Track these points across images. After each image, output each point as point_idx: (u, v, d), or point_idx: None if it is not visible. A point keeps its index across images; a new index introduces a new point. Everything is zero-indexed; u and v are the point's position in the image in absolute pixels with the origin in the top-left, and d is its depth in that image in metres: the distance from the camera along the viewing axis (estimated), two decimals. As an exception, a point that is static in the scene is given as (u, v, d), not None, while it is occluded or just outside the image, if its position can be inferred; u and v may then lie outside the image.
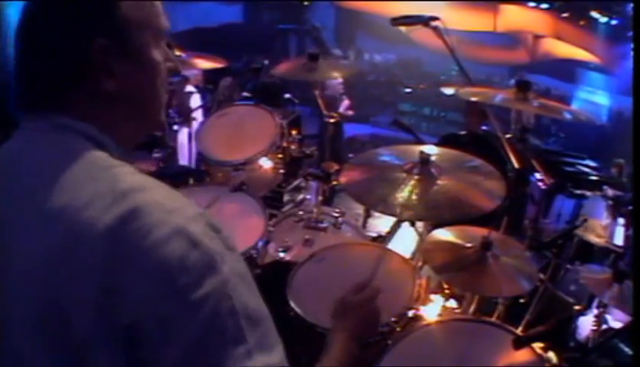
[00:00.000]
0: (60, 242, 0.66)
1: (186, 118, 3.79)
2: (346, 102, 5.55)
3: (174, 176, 3.21)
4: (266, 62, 3.82)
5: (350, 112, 5.53)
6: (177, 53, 2.76)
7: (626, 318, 2.01)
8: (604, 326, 2.14)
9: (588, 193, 3.74)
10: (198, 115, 3.97)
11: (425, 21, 2.01)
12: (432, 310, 1.67)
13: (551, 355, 1.37)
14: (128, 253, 0.65)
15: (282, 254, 2.00)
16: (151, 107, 0.83)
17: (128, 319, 0.63)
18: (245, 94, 3.87)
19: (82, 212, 0.66)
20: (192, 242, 0.67)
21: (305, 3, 8.56)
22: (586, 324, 2.31)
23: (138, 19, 0.76)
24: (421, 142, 2.49)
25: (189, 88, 4.23)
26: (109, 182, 0.69)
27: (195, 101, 4.23)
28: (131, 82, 0.77)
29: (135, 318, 0.63)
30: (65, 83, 0.74)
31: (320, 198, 2.37)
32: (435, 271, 1.71)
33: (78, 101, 0.75)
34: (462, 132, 3.43)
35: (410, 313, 1.50)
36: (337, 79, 5.34)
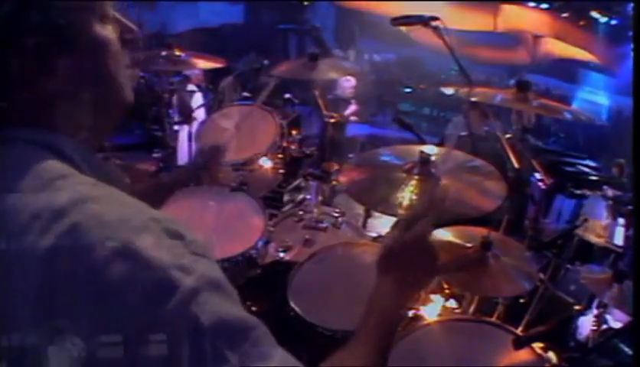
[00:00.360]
0: (6, 269, 0.59)
1: (187, 117, 3.80)
2: (353, 107, 5.49)
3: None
4: (266, 62, 3.82)
5: (354, 118, 5.46)
6: (177, 53, 2.76)
7: (626, 318, 2.01)
8: (604, 326, 2.14)
9: (588, 193, 3.74)
10: (200, 114, 3.98)
11: (425, 21, 2.01)
12: (432, 310, 1.67)
13: (551, 355, 1.37)
14: (68, 280, 0.57)
15: (282, 254, 2.00)
16: (109, 91, 0.75)
17: (83, 354, 0.57)
18: (245, 94, 3.87)
19: (22, 236, 0.60)
20: (139, 260, 0.58)
21: (305, 3, 8.56)
22: (586, 324, 2.31)
23: (68, 5, 0.68)
24: (423, 141, 2.49)
25: (191, 87, 4.23)
26: (49, 198, 0.62)
27: (197, 100, 4.23)
28: (77, 74, 0.70)
29: (90, 352, 0.57)
30: (5, 94, 0.67)
31: (320, 198, 2.37)
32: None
33: (25, 108, 0.68)
34: (463, 133, 3.43)
35: (410, 313, 1.50)
36: (349, 79, 5.31)
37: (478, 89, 2.03)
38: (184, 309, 0.58)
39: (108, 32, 0.74)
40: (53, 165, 0.66)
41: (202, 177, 1.77)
